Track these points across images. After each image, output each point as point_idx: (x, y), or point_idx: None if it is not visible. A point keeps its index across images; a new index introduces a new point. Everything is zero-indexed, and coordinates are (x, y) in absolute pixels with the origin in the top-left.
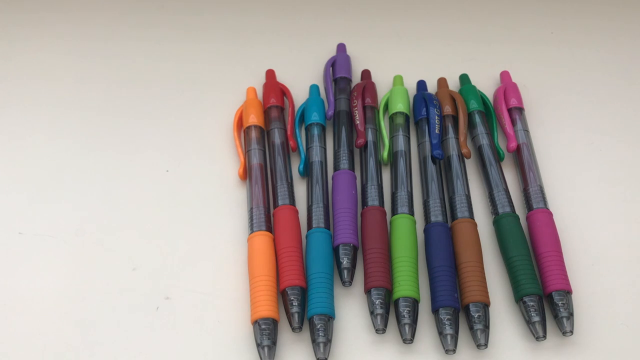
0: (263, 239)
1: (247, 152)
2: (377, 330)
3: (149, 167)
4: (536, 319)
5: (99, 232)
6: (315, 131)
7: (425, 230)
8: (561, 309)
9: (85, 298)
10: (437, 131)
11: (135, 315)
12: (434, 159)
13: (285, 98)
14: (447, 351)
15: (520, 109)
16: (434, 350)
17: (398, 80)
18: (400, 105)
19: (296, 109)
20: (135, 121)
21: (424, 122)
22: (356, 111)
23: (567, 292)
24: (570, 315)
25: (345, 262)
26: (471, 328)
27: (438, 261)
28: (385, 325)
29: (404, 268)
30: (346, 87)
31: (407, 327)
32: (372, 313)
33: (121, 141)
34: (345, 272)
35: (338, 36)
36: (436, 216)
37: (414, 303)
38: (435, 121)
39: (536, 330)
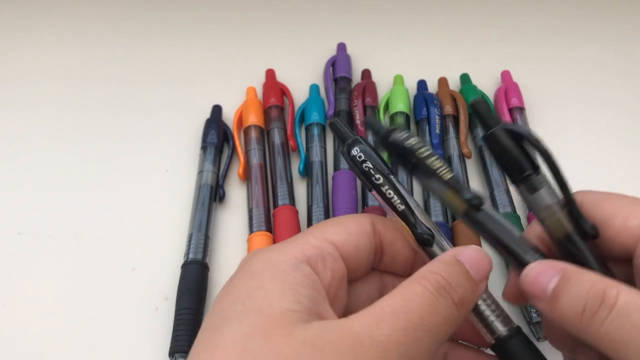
0: (263, 239)
1: (247, 152)
2: None
3: (148, 167)
4: (537, 319)
5: (98, 232)
6: (315, 131)
7: None
8: None
9: (84, 298)
10: (437, 131)
11: (135, 315)
12: None
13: (285, 98)
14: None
15: (521, 109)
16: None
17: (398, 80)
18: (400, 105)
19: (296, 108)
20: (135, 121)
21: (425, 122)
22: (356, 111)
23: None
24: None
25: None
26: None
27: None
28: None
29: None
30: (346, 87)
31: None
32: None
33: (121, 141)
34: None
35: (338, 36)
36: (437, 216)
37: None
38: (436, 121)
39: (536, 331)
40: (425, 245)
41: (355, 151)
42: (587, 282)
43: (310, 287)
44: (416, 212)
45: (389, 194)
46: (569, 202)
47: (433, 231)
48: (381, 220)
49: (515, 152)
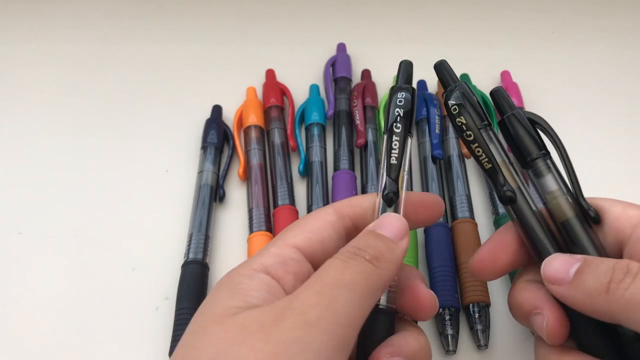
0: (263, 239)
1: (247, 152)
2: None
3: (148, 167)
4: None
5: (98, 232)
6: (315, 131)
7: (426, 231)
8: None
9: (84, 298)
10: (437, 131)
11: (135, 315)
12: (434, 158)
13: (285, 98)
14: (447, 352)
15: (521, 109)
16: (434, 350)
17: None
18: None
19: (296, 109)
20: (135, 121)
21: (425, 122)
22: (356, 111)
23: None
24: None
25: None
26: (472, 328)
27: (438, 261)
28: None
29: None
30: (346, 87)
31: None
32: None
33: (121, 141)
34: None
35: (338, 36)
36: None
37: None
38: (436, 121)
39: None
40: (509, 203)
41: (452, 101)
42: (610, 261)
43: (264, 291)
44: (503, 170)
45: (478, 151)
46: (575, 184)
47: (522, 189)
48: (346, 203)
49: (526, 137)
